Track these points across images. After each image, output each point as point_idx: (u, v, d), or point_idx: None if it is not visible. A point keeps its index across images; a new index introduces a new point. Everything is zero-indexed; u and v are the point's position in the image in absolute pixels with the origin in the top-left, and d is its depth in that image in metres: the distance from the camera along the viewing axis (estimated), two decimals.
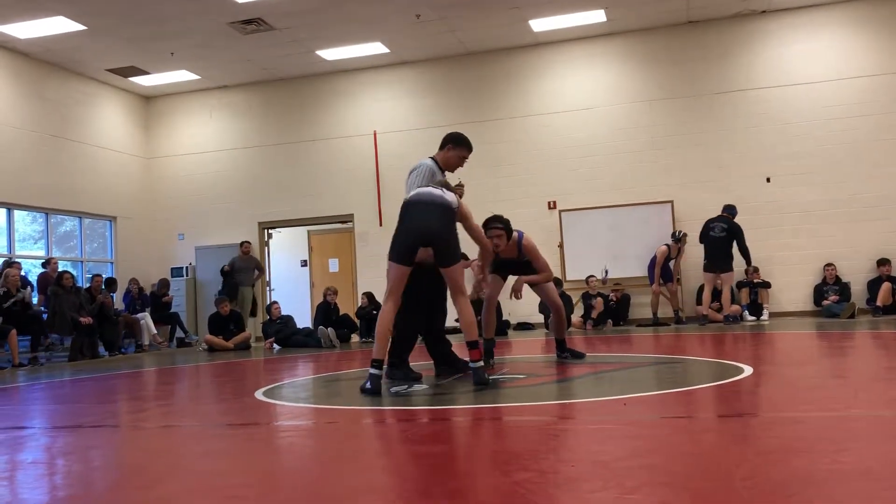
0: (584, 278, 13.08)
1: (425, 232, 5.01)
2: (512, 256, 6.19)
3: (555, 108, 13.94)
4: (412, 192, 5.18)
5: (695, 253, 12.88)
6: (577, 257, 13.58)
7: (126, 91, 15.16)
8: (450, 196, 5.16)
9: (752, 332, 9.83)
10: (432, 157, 5.59)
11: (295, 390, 5.72)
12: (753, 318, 12.53)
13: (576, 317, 12.72)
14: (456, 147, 5.61)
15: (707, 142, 13.50)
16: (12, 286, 10.83)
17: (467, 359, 5.25)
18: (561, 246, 13.62)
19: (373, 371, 4.96)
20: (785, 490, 2.23)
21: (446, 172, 5.61)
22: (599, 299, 12.66)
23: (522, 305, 13.13)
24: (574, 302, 12.99)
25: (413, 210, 5.06)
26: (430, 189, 5.20)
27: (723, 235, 11.89)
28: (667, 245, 12.60)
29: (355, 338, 12.74)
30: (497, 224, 6.01)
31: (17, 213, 13.03)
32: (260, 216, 15.29)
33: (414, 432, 3.52)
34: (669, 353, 6.99)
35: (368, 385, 4.90)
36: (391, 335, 5.14)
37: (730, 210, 12.11)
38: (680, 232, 12.66)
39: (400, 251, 5.04)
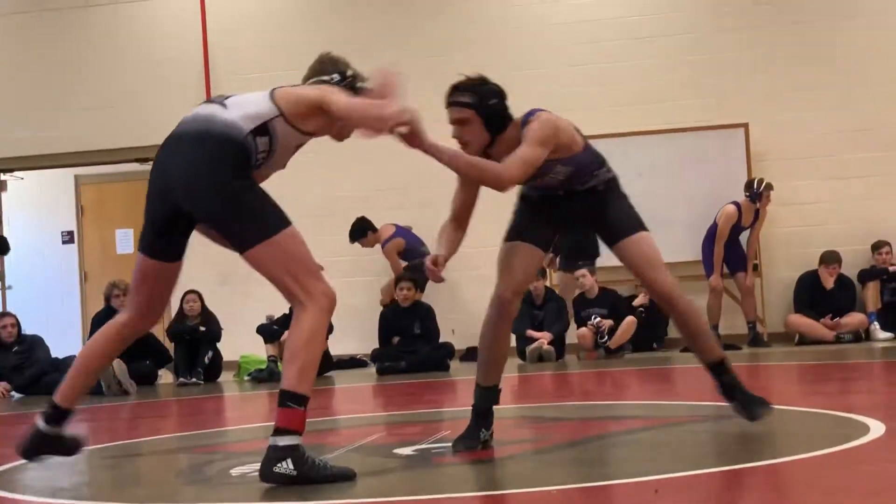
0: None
1: (163, 187, 4.64)
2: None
3: None
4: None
5: (785, 216, 12.74)
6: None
7: None
8: (241, 110, 4.62)
9: (886, 359, 10.12)
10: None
11: (50, 474, 5.30)
12: (890, 334, 12.11)
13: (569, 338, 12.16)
14: None
15: (813, 19, 13.00)
16: None
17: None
18: None
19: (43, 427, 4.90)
20: None
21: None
22: (606, 322, 11.80)
23: (476, 318, 11.48)
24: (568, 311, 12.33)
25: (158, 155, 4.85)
26: (198, 108, 4.77)
27: None
28: (735, 204, 12.13)
29: (167, 375, 12.17)
30: (460, 98, 5.16)
31: None
32: None
33: None
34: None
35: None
36: None
37: None
38: (758, 182, 12.06)
39: (143, 231, 4.84)
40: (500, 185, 5.09)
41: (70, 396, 4.93)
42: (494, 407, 5.44)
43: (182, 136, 4.66)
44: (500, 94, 5.23)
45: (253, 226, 4.51)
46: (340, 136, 4.91)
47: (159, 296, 4.91)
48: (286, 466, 4.27)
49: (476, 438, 5.18)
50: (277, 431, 4.32)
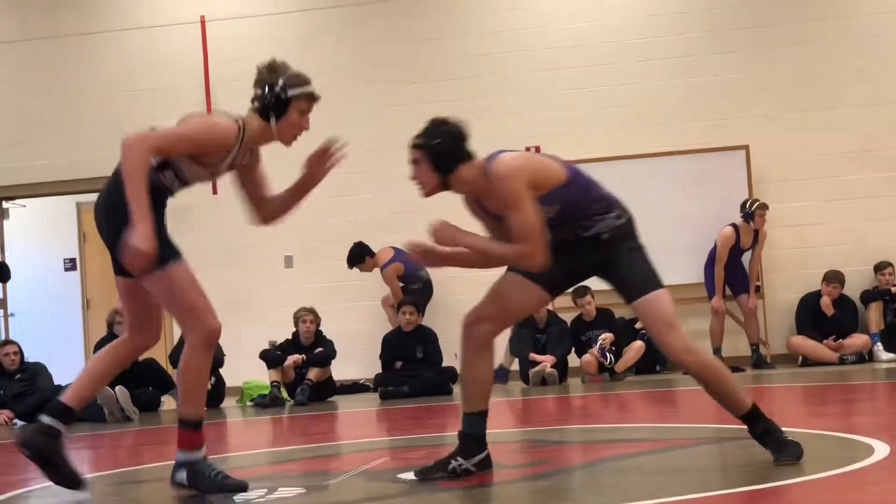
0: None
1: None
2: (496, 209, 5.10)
3: None
4: None
5: (787, 238, 12.64)
6: None
7: None
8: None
9: (890, 380, 9.99)
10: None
11: (54, 502, 5.46)
12: (894, 355, 12.03)
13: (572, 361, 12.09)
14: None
15: (814, 39, 12.94)
16: None
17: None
18: None
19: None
20: None
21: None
22: (607, 336, 11.78)
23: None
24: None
25: None
26: None
27: None
28: (732, 226, 12.10)
29: (170, 402, 11.87)
30: (413, 139, 5.12)
31: None
32: None
33: None
34: (740, 422, 5.84)
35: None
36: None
37: None
38: (751, 202, 12.06)
39: None
40: (534, 265, 5.01)
41: (75, 397, 5.13)
42: (492, 430, 5.23)
43: (115, 170, 5.04)
44: (449, 135, 5.12)
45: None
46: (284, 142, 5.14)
47: (145, 312, 5.12)
48: (181, 476, 4.98)
49: (443, 468, 5.14)
50: (178, 449, 5.03)
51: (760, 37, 12.82)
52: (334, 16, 13.37)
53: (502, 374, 11.83)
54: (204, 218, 13.58)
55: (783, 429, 5.27)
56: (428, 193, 5.17)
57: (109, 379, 5.49)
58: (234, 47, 14.01)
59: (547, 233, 4.97)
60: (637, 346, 11.76)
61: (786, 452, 4.95)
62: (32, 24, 14.30)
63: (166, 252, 4.80)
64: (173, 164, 4.98)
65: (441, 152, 5.01)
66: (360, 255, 12.12)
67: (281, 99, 5.00)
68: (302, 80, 5.12)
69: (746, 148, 12.41)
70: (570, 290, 11.64)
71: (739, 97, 12.74)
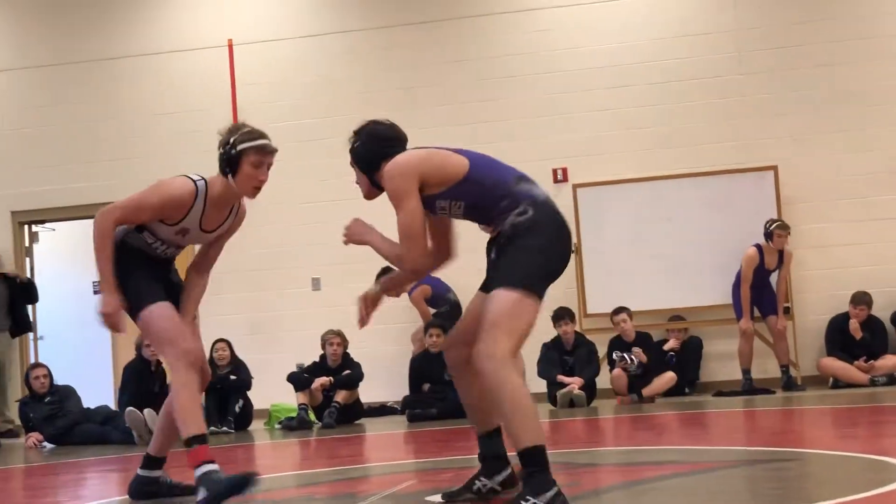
0: (610, 312, 12.24)
1: None
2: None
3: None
4: None
5: (816, 258, 12.65)
6: (604, 273, 13.03)
7: None
8: None
9: None
10: None
11: None
12: None
13: (601, 380, 12.09)
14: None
15: (841, 60, 12.92)
16: None
17: None
18: (577, 250, 12.85)
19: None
20: None
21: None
22: (638, 351, 11.70)
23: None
24: (599, 356, 12.20)
25: None
26: None
27: None
28: (756, 247, 12.11)
29: None
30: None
31: None
32: (14, 201, 14.69)
33: None
34: (774, 444, 6.80)
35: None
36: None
37: None
38: (769, 222, 12.04)
39: None
40: (407, 268, 5.00)
41: (156, 447, 5.93)
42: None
43: None
44: (369, 135, 5.12)
45: (127, 299, 5.50)
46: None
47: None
48: (202, 492, 5.11)
49: (468, 489, 5.08)
50: (194, 467, 5.23)
51: (787, 57, 12.82)
52: (361, 39, 13.42)
53: None
54: (231, 242, 13.11)
55: (815, 451, 5.24)
56: (366, 195, 5.20)
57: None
58: (261, 70, 14.14)
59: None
60: (668, 377, 11.69)
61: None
62: (64, 48, 14.44)
63: (137, 302, 5.51)
64: (147, 227, 5.59)
65: (359, 153, 5.05)
66: None
67: (232, 154, 5.35)
68: (253, 136, 5.46)
69: (775, 169, 12.39)
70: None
71: (767, 118, 12.73)
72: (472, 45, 13.53)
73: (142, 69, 14.39)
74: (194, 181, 5.46)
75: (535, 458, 4.35)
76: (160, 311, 5.43)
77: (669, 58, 13.01)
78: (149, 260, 5.61)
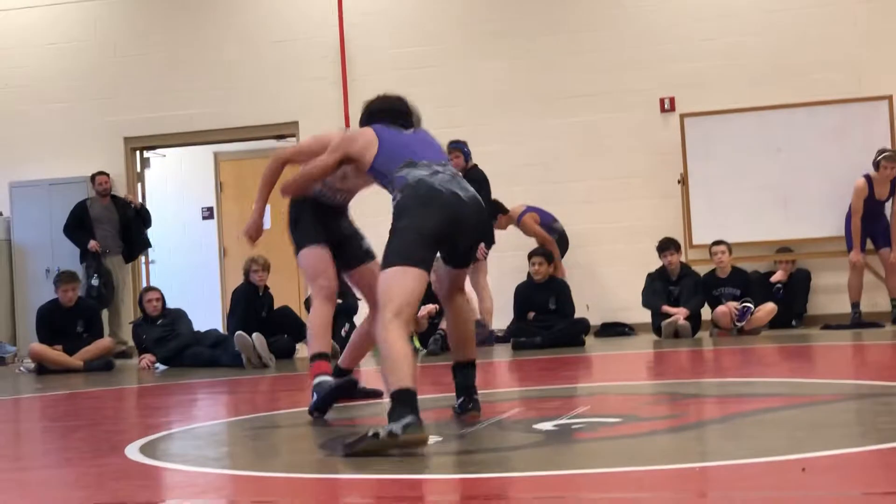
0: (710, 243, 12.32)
1: None
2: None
3: None
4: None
5: None
6: (710, 204, 12.96)
7: None
8: None
9: None
10: None
11: (196, 444, 5.77)
12: None
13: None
14: None
15: None
16: None
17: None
18: (683, 181, 12.92)
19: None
20: None
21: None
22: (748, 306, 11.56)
23: (611, 293, 13.00)
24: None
25: None
26: None
27: None
28: (865, 177, 11.95)
29: (304, 349, 11.56)
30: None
31: None
32: (127, 128, 14.78)
33: None
34: (884, 378, 6.66)
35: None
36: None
37: None
38: (879, 152, 11.79)
39: None
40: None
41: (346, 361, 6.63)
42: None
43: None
44: (365, 107, 6.03)
45: (293, 239, 6.33)
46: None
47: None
48: (314, 396, 5.98)
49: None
50: (311, 378, 6.12)
51: None
52: None
53: (489, 338, 11.83)
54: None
55: None
56: None
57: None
58: (374, 10, 14.02)
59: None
60: (769, 308, 11.59)
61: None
62: None
63: (301, 241, 6.34)
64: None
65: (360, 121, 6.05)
66: (493, 213, 12.06)
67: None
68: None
69: (889, 98, 12.21)
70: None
71: (882, 46, 12.51)
72: None
73: (241, 5, 14.41)
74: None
75: (398, 398, 4.91)
76: (312, 252, 6.33)
77: None
78: (321, 207, 6.37)
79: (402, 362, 4.99)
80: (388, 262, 5.23)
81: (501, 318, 11.92)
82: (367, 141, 5.58)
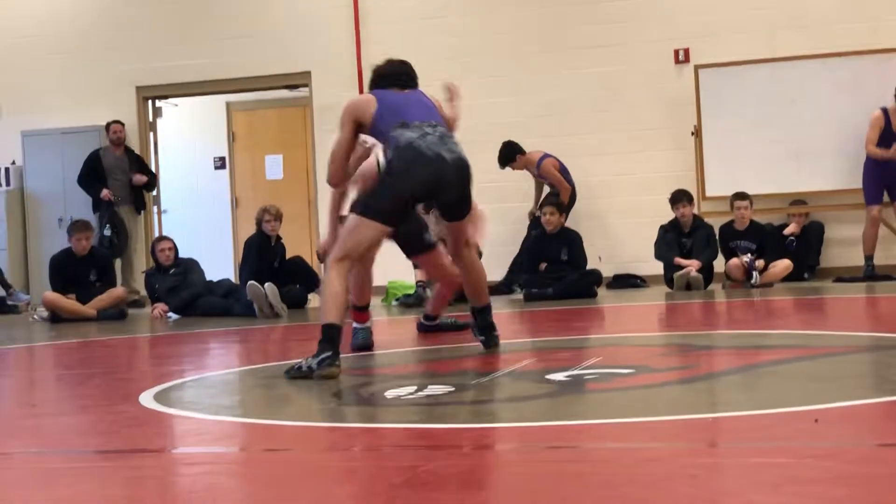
0: (730, 195, 12.23)
1: None
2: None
3: None
4: None
5: None
6: (724, 156, 13.00)
7: None
8: None
9: None
10: None
11: (209, 392, 5.87)
12: None
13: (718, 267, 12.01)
14: None
15: None
16: None
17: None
18: (697, 133, 12.94)
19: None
20: None
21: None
22: (761, 262, 11.61)
23: (623, 245, 13.20)
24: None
25: None
26: None
27: None
28: (882, 109, 11.87)
29: (316, 299, 12.16)
30: None
31: None
32: (139, 77, 14.90)
33: (428, 471, 3.45)
34: (888, 331, 6.80)
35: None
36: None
37: None
38: None
39: None
40: (329, 183, 6.61)
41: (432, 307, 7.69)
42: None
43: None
44: (373, 70, 6.48)
45: (356, 201, 6.36)
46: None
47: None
48: (353, 339, 6.79)
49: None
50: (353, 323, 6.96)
51: None
52: None
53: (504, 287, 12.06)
54: None
55: None
56: None
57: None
58: None
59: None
60: (784, 265, 11.60)
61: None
62: None
63: (362, 207, 6.15)
64: None
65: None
66: (511, 154, 12.09)
67: None
68: None
69: None
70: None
71: None
72: None
73: None
74: None
75: (324, 332, 5.62)
76: (358, 222, 6.02)
77: None
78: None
79: (333, 300, 5.73)
80: (355, 209, 6.00)
81: (500, 270, 12.00)
82: (367, 101, 6.06)
